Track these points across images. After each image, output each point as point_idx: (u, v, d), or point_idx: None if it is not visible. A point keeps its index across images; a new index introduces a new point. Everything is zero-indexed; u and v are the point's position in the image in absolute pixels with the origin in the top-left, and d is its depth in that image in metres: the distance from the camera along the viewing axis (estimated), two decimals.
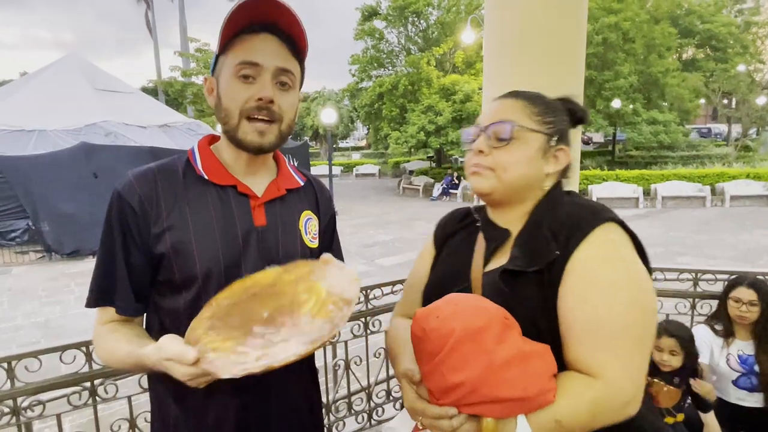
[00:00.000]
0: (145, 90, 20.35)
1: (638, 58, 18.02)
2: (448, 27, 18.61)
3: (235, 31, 0.91)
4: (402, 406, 2.80)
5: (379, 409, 2.75)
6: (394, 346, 1.00)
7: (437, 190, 16.61)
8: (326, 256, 0.93)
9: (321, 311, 0.83)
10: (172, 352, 0.77)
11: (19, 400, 1.72)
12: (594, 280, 0.80)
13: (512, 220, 0.95)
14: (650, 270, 0.86)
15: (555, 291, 0.83)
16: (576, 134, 1.05)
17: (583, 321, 0.79)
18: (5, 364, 1.70)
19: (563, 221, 0.87)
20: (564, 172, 0.98)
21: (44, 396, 1.77)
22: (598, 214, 0.85)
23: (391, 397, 2.78)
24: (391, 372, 2.76)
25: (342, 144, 39.96)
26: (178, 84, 20.41)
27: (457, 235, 1.08)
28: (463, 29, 13.77)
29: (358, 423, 2.68)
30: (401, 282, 2.61)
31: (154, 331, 0.97)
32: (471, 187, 0.97)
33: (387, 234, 10.36)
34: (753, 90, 21.08)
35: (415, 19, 19.05)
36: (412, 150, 18.96)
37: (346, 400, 2.64)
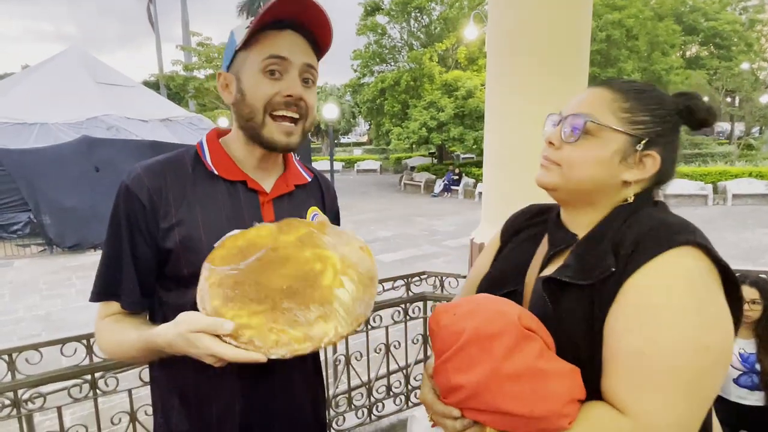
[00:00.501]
0: (146, 84, 20.31)
1: (641, 55, 17.94)
2: (450, 23, 18.53)
3: (262, 26, 0.90)
4: (401, 401, 2.81)
5: (380, 405, 2.75)
6: None
7: (439, 186, 16.60)
8: (323, 219, 0.94)
9: (345, 285, 0.82)
10: (205, 323, 0.74)
11: (20, 392, 1.73)
12: (649, 307, 0.69)
13: (582, 224, 0.86)
14: (739, 307, 0.75)
15: (604, 311, 0.74)
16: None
17: (627, 350, 0.70)
18: (6, 357, 1.70)
19: (631, 236, 0.76)
20: (658, 180, 0.84)
21: (45, 388, 1.78)
22: (677, 235, 0.72)
23: (391, 393, 2.79)
24: (392, 367, 2.76)
25: (343, 139, 39.92)
26: (179, 78, 20.36)
27: (524, 232, 1.01)
28: (466, 25, 13.70)
29: (358, 418, 2.68)
30: (402, 278, 2.61)
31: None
32: (535, 179, 0.89)
33: (388, 230, 10.36)
34: (757, 88, 21.01)
35: (418, 14, 18.97)
36: (414, 146, 18.94)
37: (347, 395, 2.65)
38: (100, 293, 0.95)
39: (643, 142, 0.80)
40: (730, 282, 0.74)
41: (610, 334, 0.73)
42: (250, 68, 0.92)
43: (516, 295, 0.88)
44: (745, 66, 22.30)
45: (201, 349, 0.74)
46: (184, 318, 0.77)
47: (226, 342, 0.73)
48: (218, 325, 0.73)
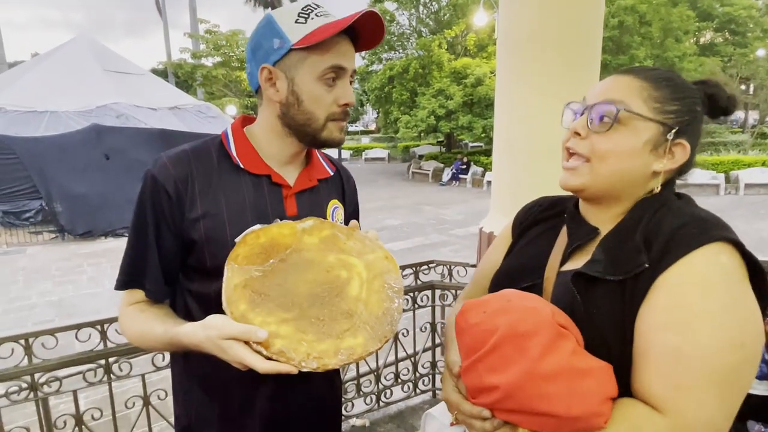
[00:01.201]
0: (155, 72, 20.29)
1: (654, 42, 17.63)
2: (460, 9, 18.32)
3: (332, 33, 0.87)
4: (409, 388, 2.84)
5: (388, 392, 2.78)
6: (448, 332, 0.94)
7: (447, 174, 16.54)
8: (354, 223, 0.93)
9: (371, 297, 0.80)
10: (236, 331, 0.71)
11: (37, 376, 1.77)
12: (684, 305, 0.69)
13: (605, 218, 0.84)
14: (766, 300, 0.74)
15: (635, 308, 0.73)
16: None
17: (664, 348, 0.69)
18: (23, 341, 1.74)
19: (663, 231, 0.74)
20: (680, 171, 0.83)
21: (60, 372, 1.81)
22: (709, 231, 0.72)
23: (399, 380, 2.82)
24: (400, 355, 2.78)
25: (351, 128, 39.80)
26: (187, 66, 20.34)
27: (539, 225, 0.99)
28: (475, 11, 13.53)
29: (367, 404, 2.72)
30: (410, 266, 2.62)
31: (180, 314, 0.96)
32: (560, 182, 0.85)
33: (396, 219, 10.35)
34: None
35: (427, 0, 18.77)
36: (422, 134, 18.86)
37: (355, 382, 2.68)
38: (125, 281, 0.95)
39: (674, 131, 0.78)
40: (758, 277, 0.73)
41: (644, 331, 0.71)
42: (307, 73, 0.90)
43: (535, 290, 0.86)
44: (760, 53, 21.79)
45: (231, 357, 0.72)
46: (214, 323, 0.75)
47: (255, 350, 0.71)
48: (251, 333, 0.71)
